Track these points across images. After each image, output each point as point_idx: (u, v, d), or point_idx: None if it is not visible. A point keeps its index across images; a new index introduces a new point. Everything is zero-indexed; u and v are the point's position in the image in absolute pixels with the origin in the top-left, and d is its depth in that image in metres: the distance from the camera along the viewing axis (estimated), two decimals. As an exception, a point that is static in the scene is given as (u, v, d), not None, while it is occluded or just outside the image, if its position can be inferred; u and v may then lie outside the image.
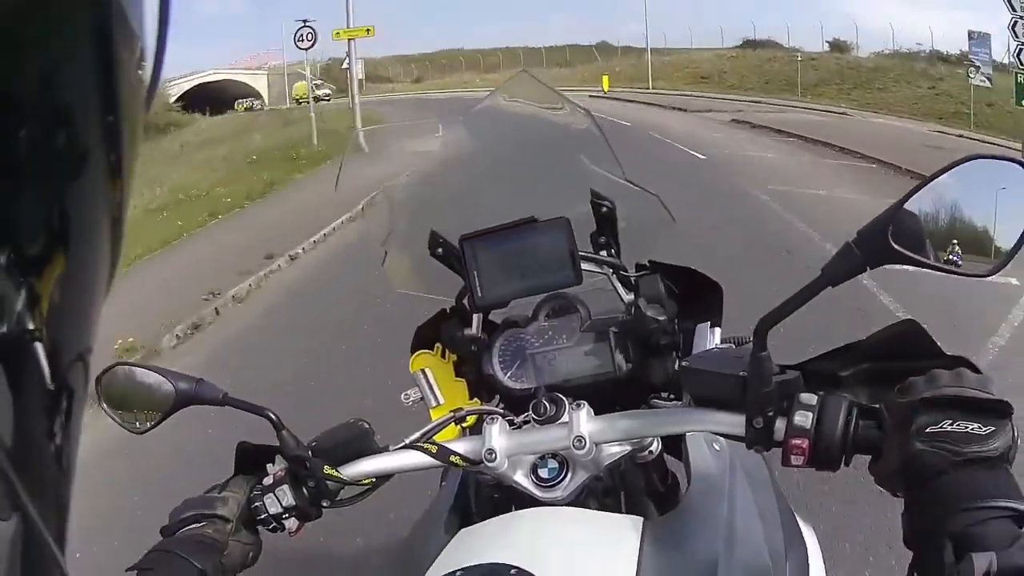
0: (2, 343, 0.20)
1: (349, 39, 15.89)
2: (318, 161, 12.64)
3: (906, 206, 0.59)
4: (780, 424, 0.63)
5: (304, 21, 15.59)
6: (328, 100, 41.73)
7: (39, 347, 0.20)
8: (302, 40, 15.23)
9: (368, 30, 15.77)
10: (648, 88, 26.80)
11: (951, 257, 0.60)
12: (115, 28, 0.21)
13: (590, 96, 24.00)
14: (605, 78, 26.44)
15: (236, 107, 41.51)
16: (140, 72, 0.23)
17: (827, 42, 28.96)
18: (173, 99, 43.23)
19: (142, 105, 0.23)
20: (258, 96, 49.96)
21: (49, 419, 0.22)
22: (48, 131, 0.20)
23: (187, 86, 49.60)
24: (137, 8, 0.22)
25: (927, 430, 0.56)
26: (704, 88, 25.93)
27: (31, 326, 0.20)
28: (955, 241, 0.60)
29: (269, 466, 0.78)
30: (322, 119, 18.36)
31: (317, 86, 44.50)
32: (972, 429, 0.55)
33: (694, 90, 25.43)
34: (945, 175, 0.59)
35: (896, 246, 0.58)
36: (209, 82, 49.63)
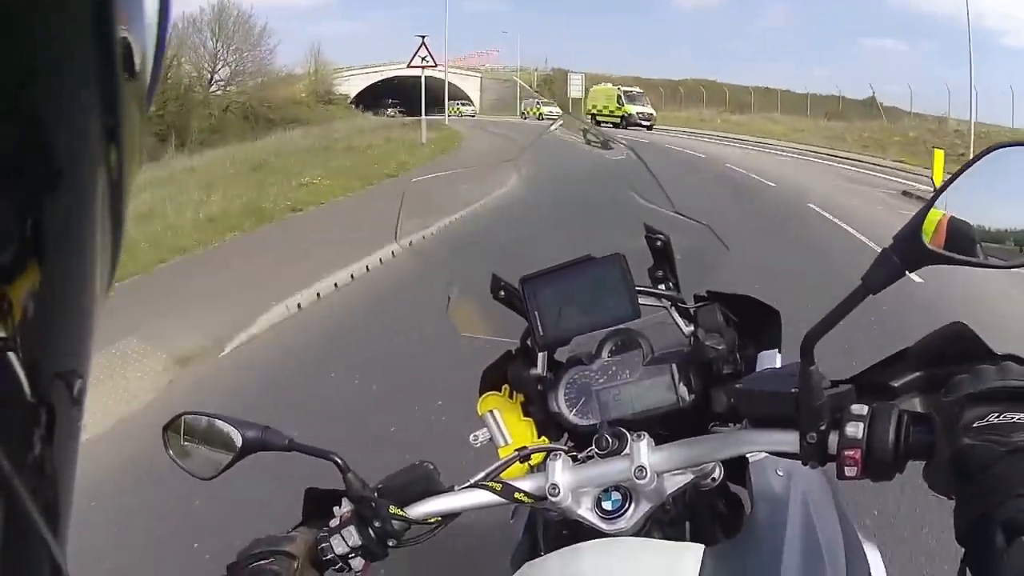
0: None
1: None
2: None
3: (936, 205, 0.59)
4: (833, 438, 0.64)
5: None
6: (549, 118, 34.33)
7: (12, 357, 0.20)
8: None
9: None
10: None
11: (988, 250, 0.60)
12: (115, 27, 0.21)
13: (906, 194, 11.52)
14: (939, 156, 12.12)
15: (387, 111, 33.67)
16: (140, 71, 0.23)
17: None
18: (352, 91, 35.57)
19: (143, 104, 0.24)
20: (465, 99, 41.23)
21: (28, 426, 0.21)
22: (46, 131, 0.20)
23: (376, 77, 39.40)
24: (137, 7, 0.22)
25: (974, 425, 0.57)
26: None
27: (2, 334, 0.20)
28: (989, 233, 0.60)
29: (336, 508, 0.82)
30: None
31: (544, 103, 38.67)
32: (1018, 419, 0.56)
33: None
34: (970, 169, 0.59)
35: (931, 247, 0.59)
36: (405, 76, 39.63)
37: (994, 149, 0.59)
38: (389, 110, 36.54)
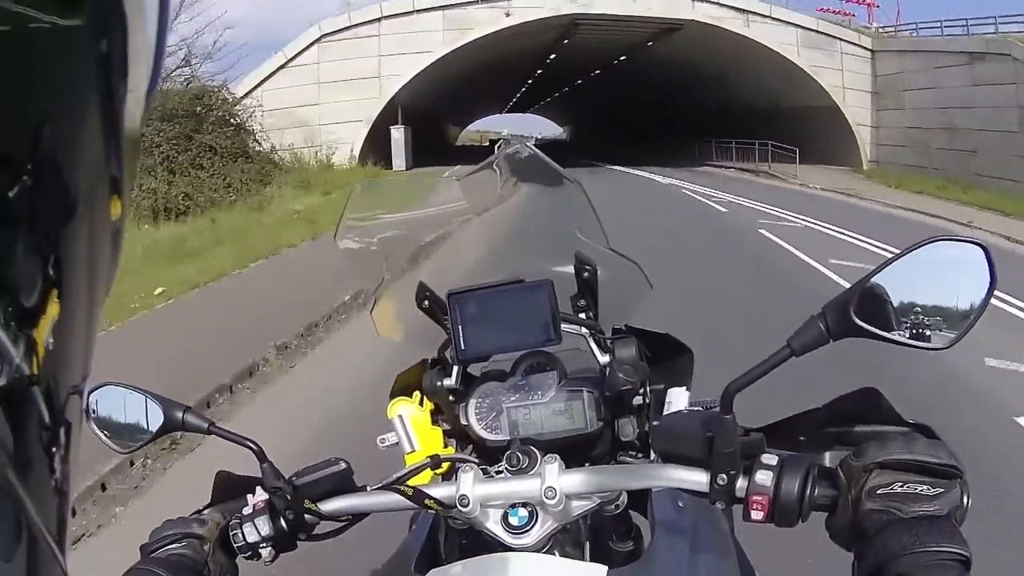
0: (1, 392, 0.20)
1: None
2: None
3: (870, 283, 0.62)
4: (742, 482, 0.67)
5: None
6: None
7: (36, 391, 0.21)
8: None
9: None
10: None
11: (911, 331, 0.63)
12: (114, 32, 0.21)
13: None
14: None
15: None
16: (139, 76, 0.22)
17: None
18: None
19: (141, 110, 0.23)
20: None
21: (48, 451, 0.22)
22: (47, 146, 0.20)
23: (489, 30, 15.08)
24: (137, 10, 0.22)
25: (878, 491, 0.60)
26: None
27: (28, 372, 0.20)
28: (915, 316, 0.63)
29: (249, 496, 0.82)
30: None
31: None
32: (920, 490, 0.59)
33: None
34: (910, 254, 0.62)
35: (858, 321, 0.61)
36: (590, 18, 15.89)
37: (933, 241, 0.64)
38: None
